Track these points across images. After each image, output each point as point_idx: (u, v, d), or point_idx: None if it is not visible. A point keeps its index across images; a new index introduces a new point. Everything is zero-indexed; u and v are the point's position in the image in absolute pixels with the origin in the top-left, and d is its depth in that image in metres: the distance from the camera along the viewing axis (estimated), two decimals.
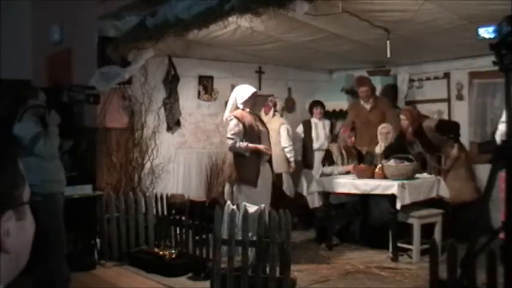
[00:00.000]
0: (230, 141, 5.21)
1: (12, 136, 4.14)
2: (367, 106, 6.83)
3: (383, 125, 6.63)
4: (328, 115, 7.62)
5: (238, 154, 5.21)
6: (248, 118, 5.26)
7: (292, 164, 6.87)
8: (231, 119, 5.23)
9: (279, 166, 6.76)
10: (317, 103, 7.39)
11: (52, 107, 4.24)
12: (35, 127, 4.13)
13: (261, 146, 5.21)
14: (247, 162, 5.19)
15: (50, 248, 4.02)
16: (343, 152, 6.58)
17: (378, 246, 5.88)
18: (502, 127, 3.11)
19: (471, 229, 3.02)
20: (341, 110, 7.91)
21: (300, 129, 7.31)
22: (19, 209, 0.85)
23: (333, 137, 7.16)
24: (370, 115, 6.76)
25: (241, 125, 5.18)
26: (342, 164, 6.54)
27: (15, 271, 0.86)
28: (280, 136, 6.73)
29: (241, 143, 5.16)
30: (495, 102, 6.60)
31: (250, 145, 5.17)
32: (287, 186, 6.88)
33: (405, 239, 5.67)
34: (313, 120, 7.32)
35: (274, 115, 6.92)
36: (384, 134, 6.51)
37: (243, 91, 5.37)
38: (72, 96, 4.26)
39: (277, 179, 6.80)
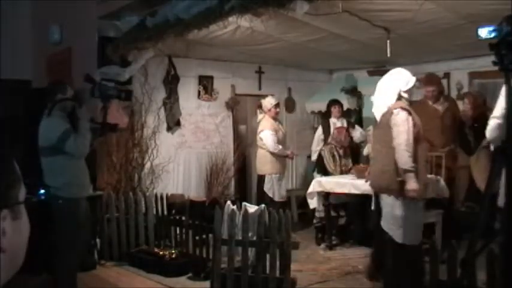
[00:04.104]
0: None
1: (38, 133, 4.04)
2: (440, 107, 6.01)
3: (369, 127, 6.70)
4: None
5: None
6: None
7: None
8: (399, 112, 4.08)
9: (261, 168, 6.77)
10: (335, 102, 7.12)
11: (82, 101, 4.07)
12: (63, 124, 3.95)
13: None
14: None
15: (62, 251, 3.96)
16: (336, 153, 6.59)
17: None
18: (492, 122, 3.12)
19: (471, 229, 3.01)
20: None
21: (319, 131, 7.17)
22: (15, 209, 0.86)
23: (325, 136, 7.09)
24: (445, 118, 5.92)
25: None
26: (335, 164, 6.56)
27: (11, 271, 0.86)
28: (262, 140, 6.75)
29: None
30: (495, 102, 6.56)
31: None
32: (270, 188, 6.69)
33: None
34: (332, 120, 7.06)
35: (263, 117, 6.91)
36: (370, 136, 6.57)
37: (407, 77, 4.24)
38: (104, 91, 4.03)
39: (260, 180, 6.80)
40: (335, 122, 7.11)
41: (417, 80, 4.54)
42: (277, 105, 6.87)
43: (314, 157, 7.11)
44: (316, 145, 7.09)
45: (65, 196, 3.87)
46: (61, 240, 3.90)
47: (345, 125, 7.02)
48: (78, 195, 4.03)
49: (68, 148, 3.88)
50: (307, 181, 7.23)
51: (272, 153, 6.69)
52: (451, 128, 6.02)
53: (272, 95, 7.19)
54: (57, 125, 3.94)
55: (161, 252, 5.36)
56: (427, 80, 6.35)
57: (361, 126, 7.75)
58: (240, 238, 4.45)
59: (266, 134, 6.69)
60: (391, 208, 4.08)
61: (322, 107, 7.52)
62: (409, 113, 4.04)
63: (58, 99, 4.04)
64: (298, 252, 5.47)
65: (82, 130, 3.93)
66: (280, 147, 6.74)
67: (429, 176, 6.03)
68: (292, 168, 7.92)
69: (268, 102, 6.81)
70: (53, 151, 3.92)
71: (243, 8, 4.40)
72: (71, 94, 4.15)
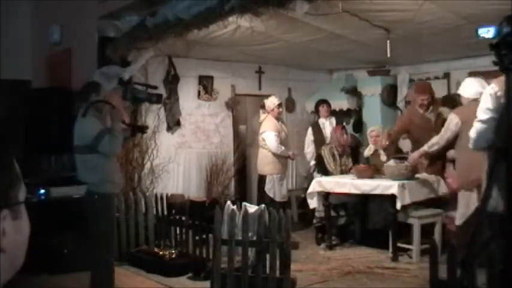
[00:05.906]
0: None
1: (73, 132, 4.13)
2: (431, 115, 6.02)
3: (371, 128, 6.68)
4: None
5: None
6: None
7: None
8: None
9: (263, 168, 6.77)
10: (323, 102, 7.34)
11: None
12: (99, 125, 4.06)
13: None
14: None
15: (99, 247, 4.08)
16: (335, 152, 6.59)
17: (378, 246, 5.88)
18: (478, 126, 3.09)
19: (471, 228, 3.01)
20: (341, 110, 7.92)
21: (309, 132, 7.25)
22: (15, 209, 0.86)
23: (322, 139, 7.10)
24: (437, 126, 5.67)
25: None
26: (335, 164, 6.55)
27: (11, 271, 0.86)
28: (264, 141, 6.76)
29: None
30: None
31: None
32: (271, 188, 6.69)
33: (405, 239, 5.67)
34: (321, 121, 7.26)
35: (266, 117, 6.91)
36: (374, 137, 6.55)
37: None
38: (136, 94, 4.15)
39: (261, 180, 6.80)
40: (324, 123, 7.18)
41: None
42: (280, 105, 6.89)
43: (308, 158, 7.18)
44: (307, 147, 7.18)
45: (100, 192, 4.01)
46: (98, 235, 4.03)
47: (334, 124, 7.10)
48: (110, 190, 4.16)
49: (102, 148, 4.00)
50: (307, 181, 7.24)
51: (274, 154, 6.69)
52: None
53: (272, 95, 7.18)
54: (93, 126, 4.05)
55: (161, 252, 5.36)
56: (420, 88, 6.26)
57: (361, 126, 7.76)
58: (240, 238, 4.45)
59: (269, 135, 6.70)
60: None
61: None
62: None
63: (93, 100, 4.13)
64: (298, 252, 5.48)
65: (115, 131, 4.04)
66: (283, 148, 6.75)
67: (429, 175, 6.07)
68: (292, 168, 7.92)
69: (271, 102, 6.82)
70: (87, 150, 4.04)
71: (243, 8, 4.41)
72: (104, 95, 4.23)
